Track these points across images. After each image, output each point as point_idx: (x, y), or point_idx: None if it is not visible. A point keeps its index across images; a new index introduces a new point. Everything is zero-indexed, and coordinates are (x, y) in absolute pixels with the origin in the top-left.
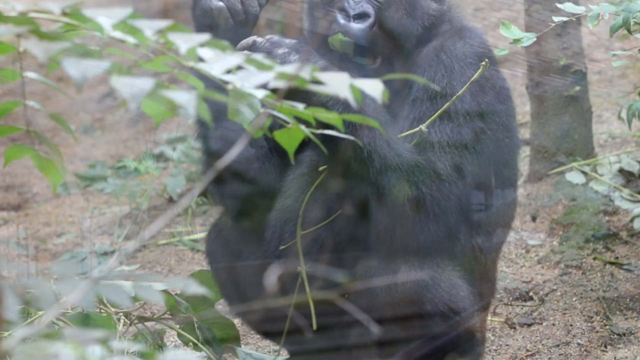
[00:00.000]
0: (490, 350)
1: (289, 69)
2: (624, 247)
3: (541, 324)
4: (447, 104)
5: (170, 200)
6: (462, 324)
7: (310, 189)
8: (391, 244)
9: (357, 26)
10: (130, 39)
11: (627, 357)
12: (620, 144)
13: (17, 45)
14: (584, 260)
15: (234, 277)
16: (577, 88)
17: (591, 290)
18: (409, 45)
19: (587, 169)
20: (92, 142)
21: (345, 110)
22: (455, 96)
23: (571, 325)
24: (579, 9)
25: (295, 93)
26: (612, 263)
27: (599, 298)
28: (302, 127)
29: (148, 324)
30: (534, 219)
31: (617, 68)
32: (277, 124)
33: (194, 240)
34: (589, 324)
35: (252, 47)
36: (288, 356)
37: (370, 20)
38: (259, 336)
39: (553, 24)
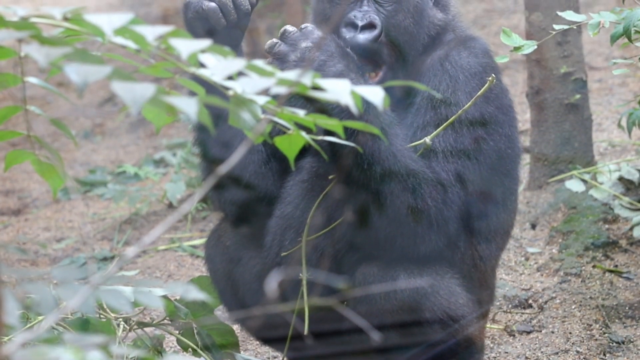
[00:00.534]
0: (489, 358)
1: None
2: (623, 255)
3: (540, 331)
4: (453, 117)
5: (170, 205)
6: (461, 331)
7: (311, 196)
8: (392, 252)
9: (363, 37)
10: (132, 45)
11: None
12: (620, 152)
13: (18, 50)
14: (584, 268)
15: (234, 284)
16: (578, 96)
17: (590, 298)
18: (414, 54)
19: (587, 177)
20: (92, 147)
21: (355, 117)
22: (461, 110)
23: (570, 333)
24: (579, 17)
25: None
26: (611, 271)
27: (598, 306)
28: (303, 133)
29: (147, 329)
30: (533, 226)
31: (617, 76)
32: (277, 130)
33: (194, 246)
34: (588, 332)
35: (282, 37)
36: None
37: (377, 31)
38: (258, 342)
39: (554, 32)
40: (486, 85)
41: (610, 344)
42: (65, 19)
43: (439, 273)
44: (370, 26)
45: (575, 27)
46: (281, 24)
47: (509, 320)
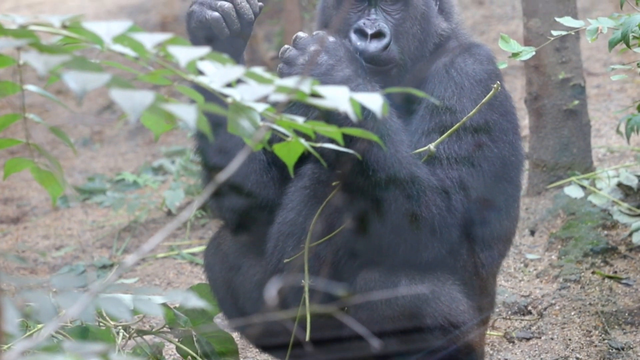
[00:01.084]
0: None
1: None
2: (622, 261)
3: (540, 338)
4: (458, 124)
5: (169, 213)
6: (461, 338)
7: (313, 202)
8: (394, 259)
9: (374, 45)
10: (130, 52)
11: None
12: (618, 158)
13: (17, 58)
14: (583, 274)
15: (233, 292)
16: (576, 102)
17: (590, 304)
18: (421, 61)
19: (585, 183)
20: (91, 155)
21: (359, 124)
22: (466, 117)
23: (570, 339)
24: (577, 23)
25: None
26: (610, 277)
27: (597, 312)
28: (302, 140)
29: (147, 337)
30: (532, 233)
31: (615, 82)
32: (278, 137)
33: (193, 254)
34: (588, 338)
35: (294, 42)
36: None
37: (386, 40)
38: (257, 350)
39: (552, 38)
40: (491, 92)
41: (610, 350)
42: (64, 26)
43: (440, 279)
44: (379, 34)
45: (573, 33)
46: (280, 31)
47: (509, 327)
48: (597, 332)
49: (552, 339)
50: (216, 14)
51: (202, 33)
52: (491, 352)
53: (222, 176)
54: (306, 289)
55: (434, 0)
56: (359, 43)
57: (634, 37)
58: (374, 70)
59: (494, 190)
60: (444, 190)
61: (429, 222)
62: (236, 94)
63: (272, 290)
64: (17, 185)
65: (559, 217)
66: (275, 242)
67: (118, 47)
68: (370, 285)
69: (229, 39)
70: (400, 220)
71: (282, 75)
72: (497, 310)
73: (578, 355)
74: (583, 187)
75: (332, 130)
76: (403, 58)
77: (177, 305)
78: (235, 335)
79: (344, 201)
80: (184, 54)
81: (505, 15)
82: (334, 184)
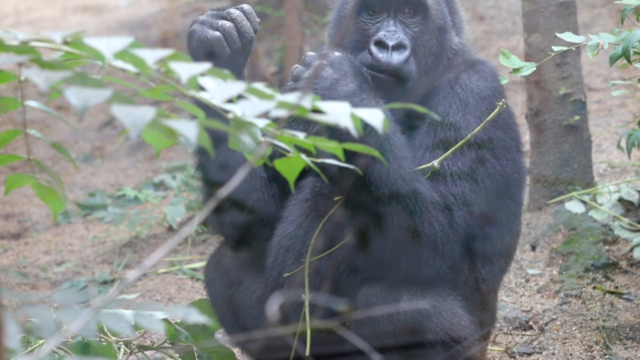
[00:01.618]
0: None
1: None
2: (623, 276)
3: (541, 353)
4: (462, 141)
5: (170, 229)
6: (463, 353)
7: (314, 215)
8: (395, 274)
9: (396, 58)
10: (131, 68)
11: None
12: (619, 174)
13: (18, 74)
14: (584, 289)
15: (234, 307)
16: (577, 117)
17: (591, 319)
18: (436, 75)
19: (586, 198)
20: (92, 171)
21: (362, 139)
22: (470, 134)
23: (571, 354)
24: (578, 39)
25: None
26: (611, 292)
27: (598, 327)
28: (303, 156)
29: (148, 352)
30: (533, 248)
31: (616, 97)
32: (277, 152)
33: (194, 269)
34: (589, 354)
35: (303, 60)
36: None
37: (407, 52)
38: None
39: (553, 54)
40: (496, 110)
41: None
42: (65, 42)
43: (441, 295)
44: (400, 46)
45: (574, 49)
46: (280, 46)
47: (510, 342)
48: (598, 347)
49: (553, 354)
50: (217, 33)
51: (203, 52)
52: None
53: (223, 192)
54: (306, 303)
55: (449, 15)
56: (380, 55)
57: (635, 53)
58: (386, 83)
59: (496, 207)
60: (446, 206)
61: (431, 238)
62: (237, 110)
63: (272, 306)
64: (18, 200)
65: (560, 232)
66: (275, 256)
67: (119, 63)
68: (371, 300)
69: (230, 56)
70: (402, 236)
71: (290, 91)
72: (498, 325)
73: None
74: (584, 202)
75: (333, 146)
76: (419, 72)
77: (179, 320)
78: (236, 350)
79: (345, 216)
80: (185, 69)
81: (505, 31)
82: (336, 198)
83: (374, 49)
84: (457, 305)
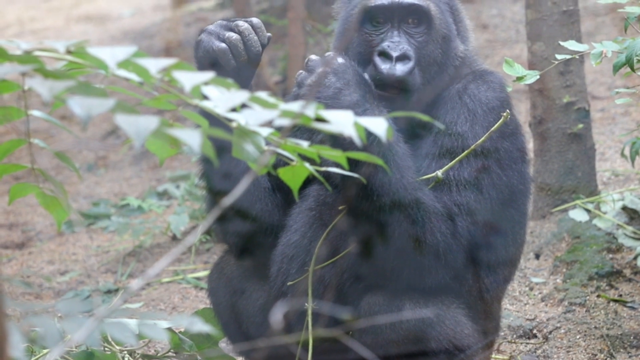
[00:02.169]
0: None
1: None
2: (627, 284)
3: None
4: (466, 152)
5: (174, 238)
6: None
7: (319, 224)
8: (398, 283)
9: (400, 69)
10: (135, 77)
11: None
12: (623, 182)
13: (21, 84)
14: (588, 297)
15: (237, 316)
16: (580, 125)
17: (595, 327)
18: (441, 85)
19: (590, 206)
20: (95, 180)
21: (365, 147)
22: (474, 145)
23: None
24: (581, 47)
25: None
26: (615, 301)
27: (602, 336)
28: (307, 164)
29: None
30: (537, 256)
31: (620, 106)
32: (281, 161)
33: (198, 278)
34: None
35: (306, 65)
36: None
37: (412, 63)
38: None
39: (556, 62)
40: (500, 121)
41: None
42: (69, 52)
43: (444, 303)
44: (404, 57)
45: (577, 57)
46: (284, 55)
47: (514, 351)
48: (602, 355)
49: None
50: (223, 45)
51: (208, 62)
52: None
53: (227, 201)
54: (309, 312)
55: (454, 24)
56: (383, 66)
57: (638, 61)
58: (391, 94)
59: (501, 217)
60: (449, 216)
61: (433, 247)
62: (241, 119)
63: (276, 314)
64: (22, 210)
65: (563, 240)
66: (279, 264)
67: (123, 72)
68: (374, 309)
69: (236, 67)
70: (404, 246)
71: (293, 98)
72: (502, 333)
73: None
74: (588, 211)
75: (336, 154)
76: (424, 82)
77: (182, 329)
78: (240, 359)
79: (348, 225)
80: (189, 78)
81: (509, 39)
82: (340, 207)
83: (377, 59)
84: (460, 314)
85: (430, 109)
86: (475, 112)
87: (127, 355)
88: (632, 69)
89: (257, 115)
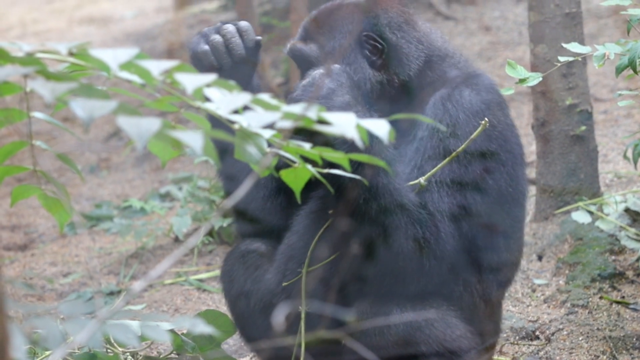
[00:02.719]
0: None
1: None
2: (630, 286)
3: None
4: (446, 160)
5: (176, 239)
6: None
7: (316, 227)
8: (387, 287)
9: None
10: (137, 79)
11: None
12: (626, 184)
13: (24, 86)
14: (591, 299)
15: (248, 303)
16: (583, 128)
17: (597, 329)
18: (424, 89)
19: (593, 208)
20: (98, 182)
21: (352, 149)
22: (455, 152)
23: None
24: (584, 49)
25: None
26: (618, 302)
27: (605, 337)
28: (309, 166)
29: None
30: (540, 258)
31: (622, 108)
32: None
33: (200, 280)
34: None
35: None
36: None
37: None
38: None
39: (559, 64)
40: (479, 128)
41: None
42: (71, 54)
43: (433, 306)
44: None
45: (580, 59)
46: (286, 57)
47: (516, 352)
48: (605, 357)
49: None
50: (206, 47)
51: (194, 62)
52: None
53: (229, 203)
54: (303, 315)
55: (395, 38)
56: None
57: None
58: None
59: (491, 220)
60: (433, 222)
61: (420, 252)
62: (243, 121)
63: (277, 315)
64: (24, 212)
65: (566, 242)
66: (278, 264)
67: (125, 74)
68: (364, 314)
69: (233, 66)
70: (392, 250)
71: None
72: (504, 335)
73: None
74: (590, 213)
75: (338, 157)
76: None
77: (185, 331)
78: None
79: (343, 228)
80: (191, 80)
81: (512, 42)
82: (330, 212)
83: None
84: (451, 316)
85: (418, 113)
86: (457, 117)
87: (129, 357)
88: (635, 71)
89: (259, 117)
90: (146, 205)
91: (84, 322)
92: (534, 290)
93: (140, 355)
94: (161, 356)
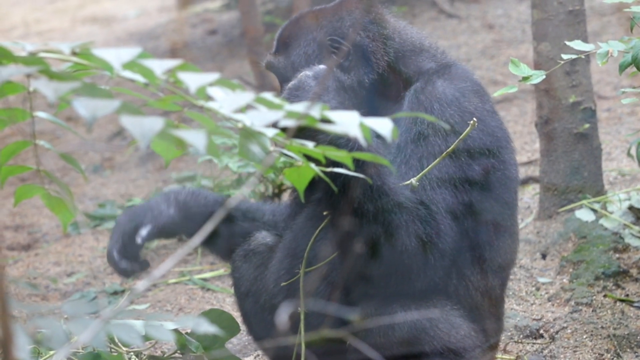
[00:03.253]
0: None
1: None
2: (634, 284)
3: None
4: (436, 161)
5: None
6: None
7: (315, 227)
8: (387, 288)
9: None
10: (140, 78)
11: None
12: (630, 182)
13: (27, 85)
14: (595, 297)
15: (257, 294)
16: (587, 125)
17: (602, 327)
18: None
19: (597, 206)
20: (101, 182)
21: (354, 148)
22: (444, 153)
23: None
24: (587, 47)
25: (304, 131)
26: (622, 300)
27: (609, 336)
28: (312, 165)
29: None
30: (544, 256)
31: (626, 105)
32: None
33: (204, 279)
34: None
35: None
36: None
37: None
38: None
39: (562, 62)
40: (468, 129)
41: None
42: (74, 53)
43: (437, 306)
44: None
45: (583, 57)
46: None
47: (520, 351)
48: (609, 355)
49: None
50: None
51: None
52: None
53: (232, 202)
54: (302, 317)
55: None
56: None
57: None
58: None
59: (484, 210)
60: (433, 217)
61: (419, 249)
62: (246, 119)
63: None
64: (28, 212)
65: (570, 240)
66: (275, 263)
67: (128, 74)
68: (368, 314)
69: None
70: (389, 250)
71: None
72: (508, 333)
73: None
74: (594, 211)
75: (342, 155)
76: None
77: (189, 330)
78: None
79: (338, 229)
80: (194, 80)
81: (515, 39)
82: (325, 213)
83: None
84: (455, 315)
85: (396, 109)
86: (432, 108)
87: (133, 357)
88: (638, 69)
89: (262, 116)
90: None
91: (88, 321)
92: (538, 289)
93: (145, 355)
94: (165, 355)
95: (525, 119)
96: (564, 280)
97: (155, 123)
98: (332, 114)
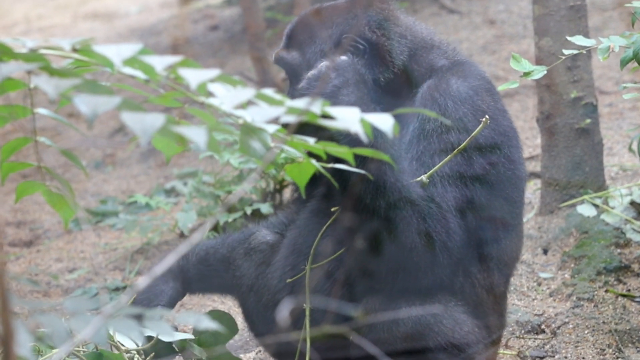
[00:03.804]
0: None
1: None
2: (636, 279)
3: (553, 357)
4: (447, 158)
5: (182, 235)
6: (471, 359)
7: (320, 223)
8: (394, 284)
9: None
10: (141, 75)
11: None
12: (631, 177)
13: (27, 82)
14: (596, 292)
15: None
16: (588, 121)
17: (603, 322)
18: (413, 81)
19: (598, 201)
20: (103, 178)
21: (357, 144)
22: (456, 150)
23: (583, 358)
24: (589, 42)
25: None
26: (624, 295)
27: (611, 331)
28: (313, 161)
29: None
30: (545, 251)
31: (627, 100)
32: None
33: None
34: (601, 357)
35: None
36: None
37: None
38: None
39: (563, 57)
40: (480, 126)
41: None
42: (75, 50)
43: (441, 302)
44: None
45: (584, 52)
46: None
47: (522, 346)
48: (610, 350)
49: (565, 357)
50: None
51: None
52: None
53: (233, 198)
54: (307, 313)
55: (380, 35)
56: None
57: None
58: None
59: (493, 208)
60: (442, 214)
61: (429, 246)
62: (247, 115)
63: (281, 311)
64: (29, 208)
65: (571, 235)
66: (279, 257)
67: (128, 70)
68: (372, 311)
69: None
70: (398, 246)
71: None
72: (510, 329)
73: None
74: (596, 206)
75: (343, 151)
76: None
77: (190, 327)
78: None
79: (344, 226)
80: (195, 76)
81: (516, 35)
82: (333, 209)
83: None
84: (459, 312)
85: (408, 106)
86: (446, 106)
87: (134, 354)
88: None
89: (263, 112)
90: (151, 201)
91: (89, 318)
92: (539, 284)
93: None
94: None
95: (526, 114)
96: (566, 275)
97: (156, 119)
98: (333, 110)
